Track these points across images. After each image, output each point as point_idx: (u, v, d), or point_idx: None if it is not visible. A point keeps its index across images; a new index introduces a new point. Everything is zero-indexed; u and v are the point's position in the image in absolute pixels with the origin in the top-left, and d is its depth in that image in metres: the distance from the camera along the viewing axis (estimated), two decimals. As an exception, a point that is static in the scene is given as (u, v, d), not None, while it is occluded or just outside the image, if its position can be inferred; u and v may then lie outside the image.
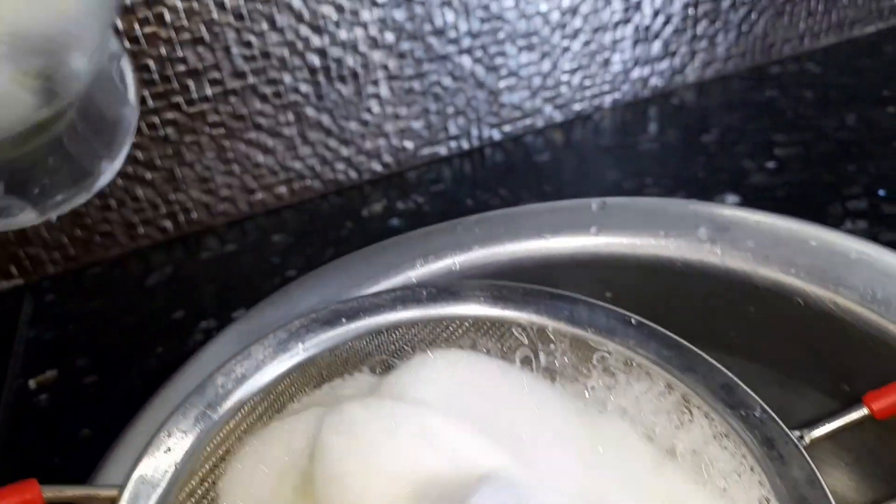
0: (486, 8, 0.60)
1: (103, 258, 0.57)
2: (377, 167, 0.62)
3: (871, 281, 0.35)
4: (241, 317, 0.41)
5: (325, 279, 0.43)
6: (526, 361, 0.39)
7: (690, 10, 0.65)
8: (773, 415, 0.33)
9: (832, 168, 0.54)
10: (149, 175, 0.56)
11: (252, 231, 0.59)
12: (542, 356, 0.39)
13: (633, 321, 0.38)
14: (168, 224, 0.58)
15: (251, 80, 0.56)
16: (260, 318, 0.41)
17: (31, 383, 0.49)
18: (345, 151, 0.61)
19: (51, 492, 0.29)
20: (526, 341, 0.39)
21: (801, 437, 0.32)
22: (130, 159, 0.56)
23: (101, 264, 0.57)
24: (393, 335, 0.39)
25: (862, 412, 0.31)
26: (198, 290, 0.54)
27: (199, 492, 0.32)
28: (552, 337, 0.38)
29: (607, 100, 0.67)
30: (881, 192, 0.51)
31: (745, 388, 0.34)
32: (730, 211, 0.39)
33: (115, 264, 0.57)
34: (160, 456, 0.31)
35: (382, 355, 0.39)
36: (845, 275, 0.35)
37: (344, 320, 0.39)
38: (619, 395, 0.36)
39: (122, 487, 0.30)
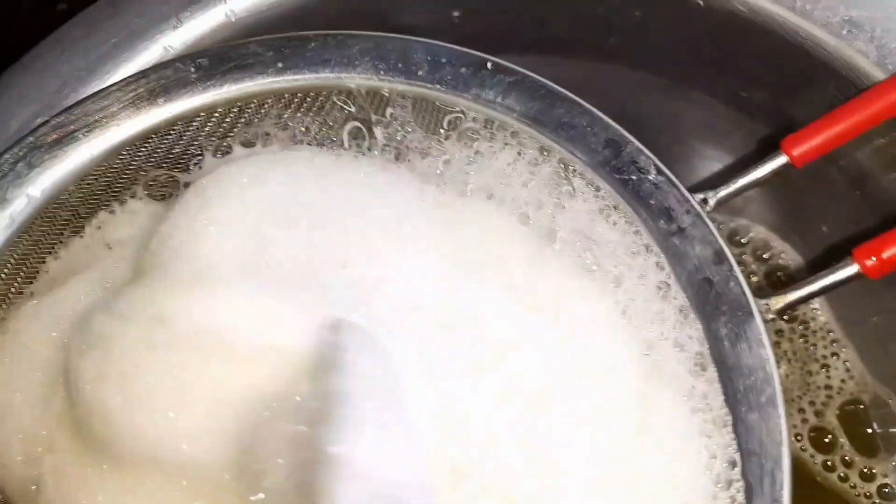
0: None
1: None
2: None
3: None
4: None
5: (45, 63, 0.29)
6: (358, 140, 0.29)
7: None
8: (672, 176, 0.25)
9: None
10: None
11: None
12: (377, 130, 0.29)
13: (489, 65, 0.28)
14: None
15: None
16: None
17: None
18: None
19: None
20: (353, 109, 0.29)
21: (706, 201, 0.25)
22: None
23: None
24: (165, 139, 0.28)
25: (779, 161, 0.24)
26: None
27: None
28: (387, 97, 0.28)
29: None
30: None
31: (636, 142, 0.26)
32: None
33: None
34: None
35: (158, 170, 0.28)
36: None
37: (81, 135, 0.27)
38: (481, 170, 0.28)
39: None
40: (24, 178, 0.26)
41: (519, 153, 0.28)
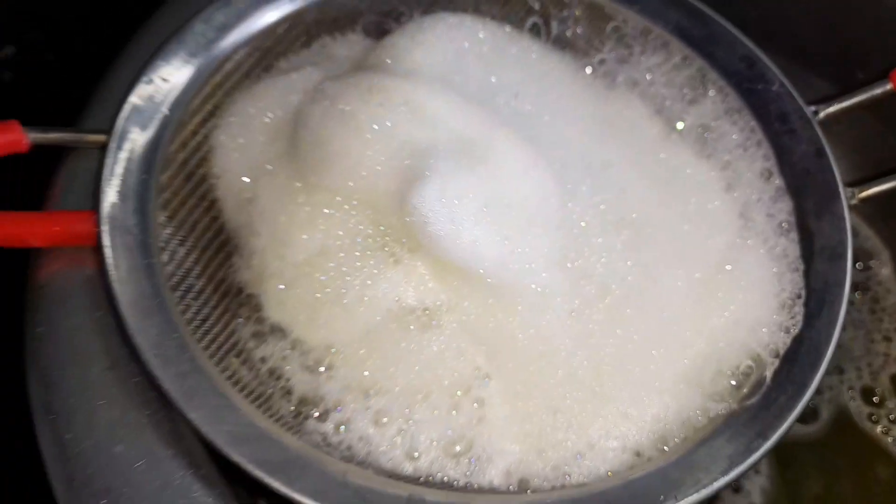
0: None
1: None
2: None
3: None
4: None
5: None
6: (535, 30, 0.36)
7: None
8: (792, 89, 0.31)
9: None
10: None
11: None
12: (553, 24, 0.36)
13: (655, -14, 0.34)
14: None
15: None
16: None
17: None
18: None
19: (35, 133, 0.28)
20: (537, 6, 0.36)
21: (816, 113, 0.31)
22: None
23: None
24: (389, -6, 0.35)
25: (884, 87, 0.30)
26: None
27: (192, 144, 0.31)
28: (566, 1, 0.35)
29: None
30: None
31: (767, 61, 0.32)
32: None
33: None
34: (145, 102, 0.30)
35: (375, 16, 0.36)
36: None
37: (333, -32, 0.34)
38: (631, 68, 0.34)
39: (109, 132, 0.29)
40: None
41: (665, 58, 0.34)
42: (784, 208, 0.29)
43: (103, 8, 0.47)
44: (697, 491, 0.23)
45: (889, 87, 0.29)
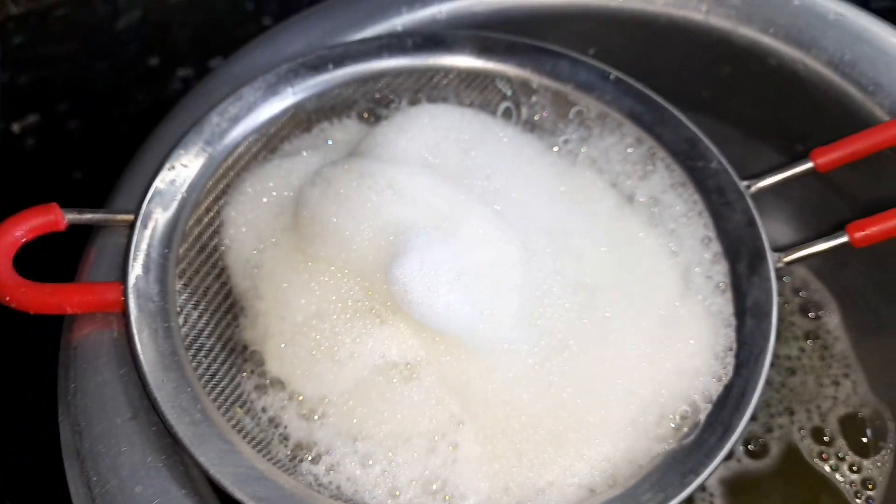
0: None
1: (66, -2, 0.54)
2: None
3: (843, 43, 0.36)
4: (221, 64, 0.41)
5: (307, 25, 0.43)
6: (507, 114, 0.41)
7: None
8: (728, 166, 0.36)
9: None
10: None
11: (222, -26, 0.56)
12: (523, 109, 0.41)
13: (611, 77, 0.39)
14: (132, -37, 0.55)
15: None
16: (245, 61, 0.41)
17: (15, 127, 0.50)
18: None
19: (71, 214, 0.33)
20: (509, 93, 0.40)
21: (749, 187, 0.35)
22: None
23: (66, 4, 0.53)
24: (379, 83, 0.40)
25: (807, 165, 0.34)
26: (170, 36, 0.53)
27: (206, 219, 0.36)
28: (535, 89, 0.40)
29: None
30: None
31: (707, 142, 0.36)
32: (720, -33, 0.39)
33: (81, 4, 0.53)
34: (167, 186, 0.35)
35: (368, 103, 0.41)
36: (819, 36, 0.36)
37: (331, 66, 0.40)
38: (591, 147, 0.39)
39: (136, 213, 0.34)
40: (288, 83, 0.39)
41: (620, 139, 0.38)
42: (721, 270, 0.34)
43: (128, 86, 0.52)
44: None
45: (810, 164, 0.34)
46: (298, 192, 0.35)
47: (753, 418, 0.41)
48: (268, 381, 0.33)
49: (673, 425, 0.30)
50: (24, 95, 0.51)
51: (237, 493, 0.27)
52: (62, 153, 0.50)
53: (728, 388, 0.30)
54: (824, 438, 0.41)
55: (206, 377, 0.32)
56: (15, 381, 0.41)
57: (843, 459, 0.40)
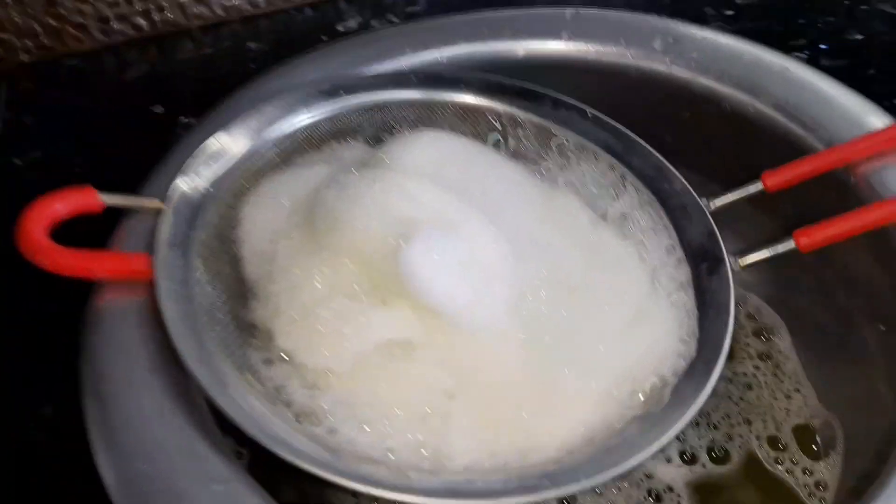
0: None
1: (77, 50, 0.55)
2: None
3: (787, 90, 0.42)
4: (240, 87, 0.45)
5: (319, 61, 0.48)
6: (497, 145, 0.46)
7: None
8: (690, 188, 0.41)
9: (784, 19, 0.60)
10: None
11: (227, 37, 0.57)
12: (510, 140, 0.46)
13: (588, 114, 0.45)
14: (142, 21, 0.56)
15: None
16: (261, 86, 0.46)
17: (17, 161, 0.50)
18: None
19: (108, 198, 0.36)
20: (499, 126, 0.46)
21: (708, 205, 0.41)
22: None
23: (77, 56, 0.55)
24: (385, 113, 0.45)
25: (758, 186, 0.40)
26: (176, 89, 0.55)
27: (227, 214, 0.40)
28: (521, 123, 0.45)
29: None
30: (823, 47, 0.57)
31: (672, 168, 0.42)
32: (683, 27, 0.46)
33: (91, 57, 0.55)
34: (193, 180, 0.38)
35: (372, 129, 0.46)
36: (767, 84, 0.43)
37: (342, 93, 0.45)
38: (569, 173, 0.44)
39: (164, 199, 0.37)
40: (303, 105, 0.44)
41: (595, 166, 0.44)
42: (684, 272, 0.38)
43: (132, 130, 0.53)
44: (612, 469, 0.30)
45: (760, 185, 0.39)
46: (313, 192, 0.40)
47: (715, 427, 0.45)
48: (275, 355, 0.36)
49: (643, 396, 0.34)
50: (28, 134, 0.52)
51: (250, 430, 0.30)
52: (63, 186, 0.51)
53: (692, 366, 0.34)
54: (779, 445, 0.44)
55: (219, 345, 0.35)
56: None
57: (796, 464, 0.43)
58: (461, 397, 0.35)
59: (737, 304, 0.36)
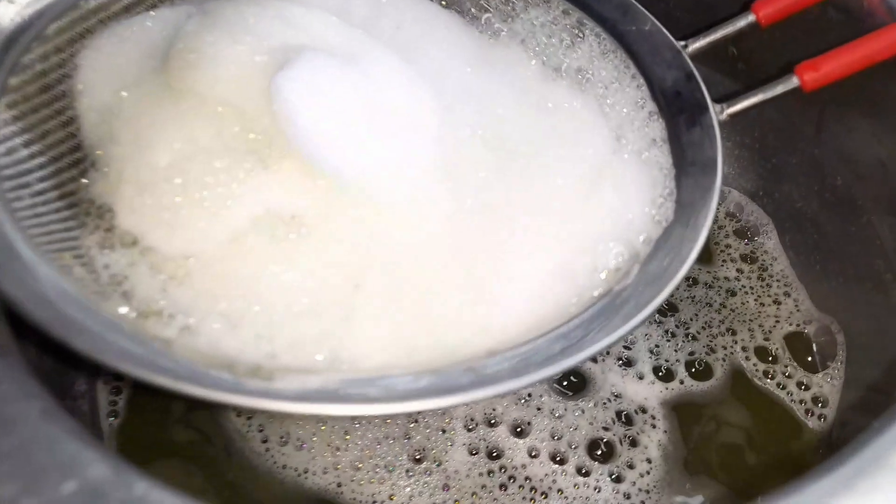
0: None
1: None
2: None
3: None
4: None
5: None
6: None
7: None
8: (663, 28, 0.32)
9: None
10: None
11: None
12: (441, -11, 0.37)
13: (536, -48, 0.36)
14: None
15: None
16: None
17: None
18: None
19: None
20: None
21: (686, 46, 0.32)
22: None
23: None
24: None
25: (748, 19, 0.31)
26: None
27: (55, 59, 0.29)
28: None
29: None
30: None
31: (640, 7, 0.33)
32: None
33: None
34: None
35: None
36: None
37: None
38: (516, 24, 0.35)
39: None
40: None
41: (545, 14, 0.35)
42: (657, 127, 0.30)
43: None
44: (562, 361, 0.21)
45: (752, 17, 0.31)
46: (175, 28, 0.30)
47: (695, 338, 0.37)
48: (116, 237, 0.26)
49: (606, 272, 0.26)
50: None
51: (38, 318, 0.20)
52: None
53: (668, 230, 0.26)
54: (769, 357, 0.37)
55: (29, 222, 0.25)
56: None
57: (790, 377, 0.36)
58: (369, 286, 0.26)
59: (720, 190, 0.28)
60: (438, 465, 0.32)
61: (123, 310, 0.24)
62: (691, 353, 0.36)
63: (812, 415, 0.35)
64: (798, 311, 0.38)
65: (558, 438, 0.33)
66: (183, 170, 0.27)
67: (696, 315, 0.38)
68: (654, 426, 0.34)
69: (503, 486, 0.32)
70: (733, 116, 0.29)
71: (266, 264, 0.26)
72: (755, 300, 0.39)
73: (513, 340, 0.24)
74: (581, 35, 0.34)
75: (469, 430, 0.33)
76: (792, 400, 0.35)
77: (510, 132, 0.30)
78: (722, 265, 0.40)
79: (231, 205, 0.26)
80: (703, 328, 0.38)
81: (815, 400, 0.35)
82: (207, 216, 0.26)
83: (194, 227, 0.26)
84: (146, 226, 0.26)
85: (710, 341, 0.37)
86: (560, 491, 0.32)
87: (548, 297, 0.25)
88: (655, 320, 0.37)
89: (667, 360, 0.36)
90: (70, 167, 0.28)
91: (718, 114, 0.29)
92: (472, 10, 0.36)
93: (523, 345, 0.23)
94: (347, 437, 0.32)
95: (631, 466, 0.33)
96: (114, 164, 0.28)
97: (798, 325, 0.38)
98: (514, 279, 0.25)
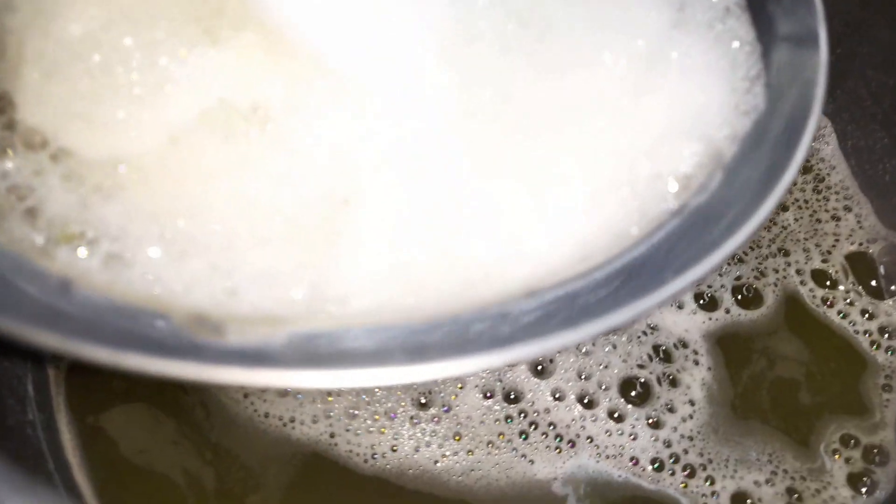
0: None
1: None
2: None
3: None
4: None
5: None
6: None
7: None
8: None
9: None
10: None
11: None
12: None
13: None
14: None
15: None
16: None
17: None
18: None
19: None
20: None
21: None
22: None
23: None
24: None
25: None
26: None
27: None
28: None
29: None
30: None
31: None
32: None
33: None
34: None
35: None
36: None
37: None
38: None
39: None
40: None
41: None
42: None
43: None
44: (622, 311, 0.16)
45: None
46: None
47: (741, 260, 0.31)
48: (16, 137, 0.20)
49: (676, 182, 0.19)
50: None
51: None
52: None
53: (760, 124, 0.19)
54: (828, 282, 0.31)
55: None
56: None
57: (852, 305, 0.31)
58: (359, 200, 0.20)
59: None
60: (448, 411, 0.27)
61: (25, 232, 0.18)
62: (738, 278, 0.31)
63: (878, 347, 0.30)
64: (861, 227, 0.33)
65: (586, 378, 0.28)
66: (101, 43, 0.20)
67: (742, 232, 0.32)
68: (696, 363, 0.29)
69: (524, 434, 0.27)
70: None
71: (221, 172, 0.20)
72: (810, 216, 0.33)
73: (557, 274, 0.18)
74: None
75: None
76: (855, 330, 0.30)
77: (536, 4, 0.23)
78: (770, 174, 0.34)
79: (171, 91, 0.20)
80: (751, 248, 0.32)
81: (881, 330, 0.30)
82: (140, 108, 0.20)
83: (124, 122, 0.20)
84: (59, 122, 0.20)
85: (760, 264, 0.32)
86: (590, 438, 0.27)
87: (594, 219, 0.19)
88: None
89: (710, 286, 0.31)
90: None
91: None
92: None
93: (573, 280, 0.17)
94: (337, 381, 0.27)
95: (671, 410, 0.28)
96: (11, 38, 0.20)
97: (861, 244, 0.32)
98: (548, 197, 0.19)
